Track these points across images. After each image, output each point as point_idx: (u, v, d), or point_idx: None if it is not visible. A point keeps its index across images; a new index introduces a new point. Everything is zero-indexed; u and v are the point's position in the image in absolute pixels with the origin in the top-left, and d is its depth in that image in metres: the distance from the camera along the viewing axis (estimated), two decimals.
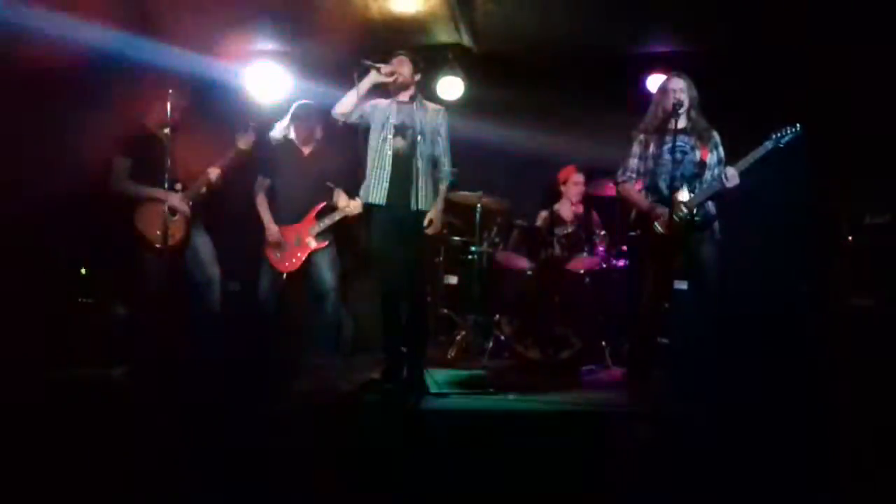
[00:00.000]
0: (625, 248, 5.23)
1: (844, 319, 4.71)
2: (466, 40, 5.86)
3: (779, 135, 4.09)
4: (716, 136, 4.25)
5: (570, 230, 5.30)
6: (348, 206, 4.66)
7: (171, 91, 4.43)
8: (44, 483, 2.94)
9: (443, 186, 4.27)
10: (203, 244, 4.69)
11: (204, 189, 4.65)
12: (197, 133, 4.69)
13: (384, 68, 4.12)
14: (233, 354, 4.45)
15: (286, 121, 4.77)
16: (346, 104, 4.18)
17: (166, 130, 4.44)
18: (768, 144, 4.08)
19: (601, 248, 5.17)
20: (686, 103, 4.18)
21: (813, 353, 4.27)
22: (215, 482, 2.99)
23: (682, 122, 4.22)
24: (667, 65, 5.42)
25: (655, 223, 4.20)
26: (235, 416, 3.37)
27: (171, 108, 4.44)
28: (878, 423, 3.27)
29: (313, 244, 4.71)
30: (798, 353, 4.30)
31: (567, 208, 5.59)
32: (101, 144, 4.63)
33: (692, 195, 4.16)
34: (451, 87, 5.85)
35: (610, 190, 5.32)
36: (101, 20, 4.73)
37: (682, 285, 4.27)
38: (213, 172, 4.64)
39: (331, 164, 4.75)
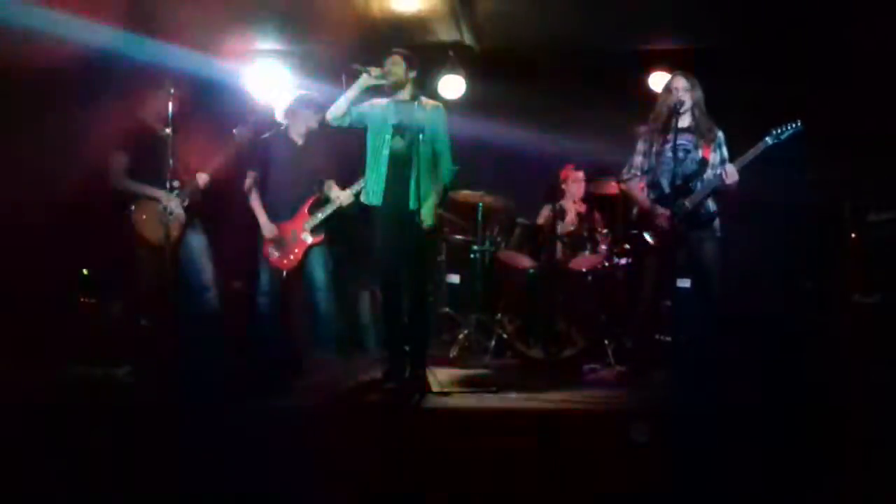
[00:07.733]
0: (627, 246, 5.22)
1: (849, 316, 4.70)
2: (468, 38, 5.85)
3: (778, 131, 4.10)
4: (720, 135, 4.27)
5: (572, 229, 5.28)
6: (339, 197, 4.64)
7: (170, 89, 4.38)
8: (46, 483, 2.95)
9: (437, 185, 4.22)
10: (198, 247, 4.62)
11: (196, 191, 4.60)
12: (198, 132, 4.67)
13: (374, 70, 4.10)
14: (232, 354, 4.46)
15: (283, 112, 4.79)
16: (338, 109, 4.18)
17: (168, 129, 4.43)
18: (768, 140, 4.11)
19: (603, 247, 5.15)
20: (688, 103, 4.21)
21: (817, 351, 4.26)
22: (215, 482, 3.00)
23: (685, 121, 4.26)
24: (669, 62, 5.42)
25: (645, 233, 4.25)
26: (235, 417, 3.37)
27: (171, 106, 4.39)
28: (882, 420, 3.26)
29: (310, 239, 4.68)
30: (802, 350, 4.29)
31: (569, 207, 5.58)
32: (100, 143, 4.63)
33: (693, 193, 4.18)
34: (452, 85, 5.83)
35: (612, 188, 5.30)
36: (102, 18, 4.73)
37: (684, 283, 4.27)
38: (202, 178, 4.60)
39: (323, 157, 4.72)
